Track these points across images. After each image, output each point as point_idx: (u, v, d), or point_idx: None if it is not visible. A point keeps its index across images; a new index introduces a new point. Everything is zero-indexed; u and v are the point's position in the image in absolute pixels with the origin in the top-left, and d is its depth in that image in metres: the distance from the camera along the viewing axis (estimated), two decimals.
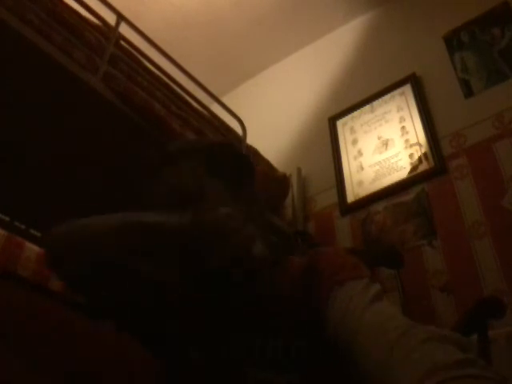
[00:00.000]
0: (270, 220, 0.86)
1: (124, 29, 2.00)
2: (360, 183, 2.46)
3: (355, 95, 2.76)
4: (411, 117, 2.47)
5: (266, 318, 0.67)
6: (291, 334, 0.64)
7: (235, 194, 0.78)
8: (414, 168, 2.30)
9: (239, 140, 2.34)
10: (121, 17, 1.98)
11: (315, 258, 0.72)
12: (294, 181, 2.65)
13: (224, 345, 0.66)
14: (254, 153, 2.40)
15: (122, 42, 1.96)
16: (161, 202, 0.77)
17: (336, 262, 0.69)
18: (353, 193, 2.45)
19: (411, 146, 2.38)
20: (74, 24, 1.68)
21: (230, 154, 0.85)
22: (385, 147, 2.49)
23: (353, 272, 0.66)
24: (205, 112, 2.27)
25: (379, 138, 2.54)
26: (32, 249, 2.19)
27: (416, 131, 2.40)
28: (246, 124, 2.53)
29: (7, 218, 2.09)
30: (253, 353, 0.65)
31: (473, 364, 0.45)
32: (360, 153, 2.57)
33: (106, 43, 1.79)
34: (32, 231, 2.17)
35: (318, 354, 0.63)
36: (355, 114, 2.73)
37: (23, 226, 2.14)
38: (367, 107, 2.69)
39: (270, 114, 3.15)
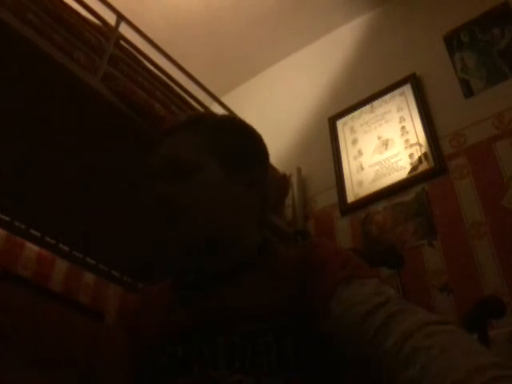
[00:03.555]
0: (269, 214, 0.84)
1: (124, 29, 2.00)
2: (360, 183, 2.46)
3: (355, 95, 2.76)
4: (411, 117, 2.47)
5: (248, 313, 0.62)
6: (274, 331, 0.59)
7: (235, 175, 0.74)
8: (414, 168, 2.30)
9: None
10: (121, 17, 1.98)
11: (310, 250, 0.66)
12: (294, 181, 2.65)
13: (204, 343, 0.62)
14: None
15: (122, 42, 1.96)
16: (157, 175, 0.73)
17: (337, 255, 0.64)
18: (353, 193, 2.45)
19: (411, 145, 2.38)
20: (74, 24, 1.68)
21: (239, 135, 0.79)
22: (385, 147, 2.49)
23: (360, 270, 0.61)
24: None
25: (379, 138, 2.54)
26: (32, 249, 2.20)
27: (416, 131, 2.40)
28: None
29: (7, 218, 2.09)
30: (230, 353, 0.60)
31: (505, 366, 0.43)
32: (360, 153, 2.57)
33: (105, 43, 1.79)
34: (32, 231, 2.17)
35: (304, 355, 0.59)
36: (355, 114, 2.73)
37: (23, 226, 2.14)
38: (367, 107, 2.69)
39: (269, 113, 3.15)
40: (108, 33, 1.86)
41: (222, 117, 0.84)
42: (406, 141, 2.42)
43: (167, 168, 0.72)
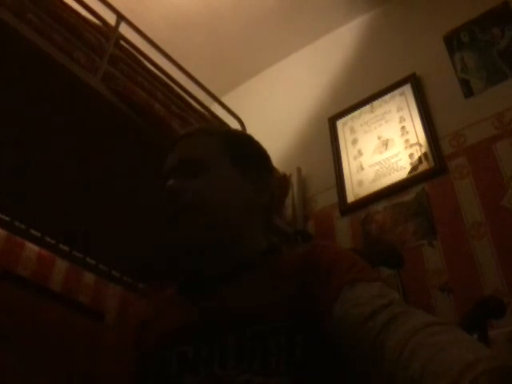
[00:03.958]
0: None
1: (124, 29, 2.00)
2: (360, 183, 2.46)
3: (355, 95, 2.76)
4: (411, 117, 2.47)
5: (254, 313, 0.62)
6: (280, 331, 0.60)
7: (245, 175, 0.77)
8: (414, 168, 2.30)
9: None
10: (121, 17, 1.98)
11: (316, 253, 0.67)
12: (294, 181, 2.65)
13: (210, 343, 0.62)
14: None
15: (122, 42, 1.96)
16: (168, 175, 0.76)
17: (343, 258, 0.65)
18: (353, 193, 2.45)
19: (411, 145, 2.38)
20: (74, 24, 1.68)
21: (249, 143, 0.84)
22: (385, 147, 2.49)
23: (364, 273, 0.61)
24: (205, 112, 2.27)
25: (379, 138, 2.54)
26: (32, 249, 2.20)
27: (416, 131, 2.40)
28: (245, 124, 2.53)
29: (7, 218, 2.09)
30: (239, 353, 0.60)
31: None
32: (360, 153, 2.57)
33: (105, 43, 1.79)
34: (32, 231, 2.17)
35: (309, 355, 0.59)
36: (355, 114, 2.73)
37: (23, 226, 2.14)
38: (367, 107, 2.69)
39: (269, 113, 3.15)
40: (108, 33, 1.86)
41: (230, 128, 0.90)
42: (406, 141, 2.42)
43: (178, 168, 0.75)
